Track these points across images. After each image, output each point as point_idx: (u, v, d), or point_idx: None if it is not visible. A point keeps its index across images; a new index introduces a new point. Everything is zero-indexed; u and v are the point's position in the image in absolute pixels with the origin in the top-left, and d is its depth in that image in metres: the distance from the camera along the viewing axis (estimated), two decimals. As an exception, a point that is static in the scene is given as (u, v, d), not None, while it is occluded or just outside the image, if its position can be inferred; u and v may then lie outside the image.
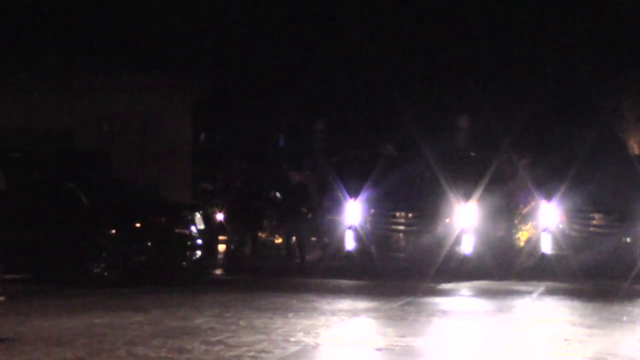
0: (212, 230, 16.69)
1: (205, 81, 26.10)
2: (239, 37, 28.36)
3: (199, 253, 15.91)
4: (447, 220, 17.04)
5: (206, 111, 26.53)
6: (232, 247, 19.46)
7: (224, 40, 28.29)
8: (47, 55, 25.17)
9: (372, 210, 17.50)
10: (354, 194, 17.68)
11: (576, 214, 17.01)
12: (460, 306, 13.31)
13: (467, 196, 17.03)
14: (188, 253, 15.84)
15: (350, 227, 17.51)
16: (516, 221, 18.51)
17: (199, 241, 15.88)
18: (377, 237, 17.37)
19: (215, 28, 28.29)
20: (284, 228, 19.59)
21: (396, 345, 9.47)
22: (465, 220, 16.97)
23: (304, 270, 17.66)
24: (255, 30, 28.21)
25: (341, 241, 17.87)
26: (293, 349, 9.25)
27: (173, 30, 28.05)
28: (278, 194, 19.81)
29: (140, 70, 24.90)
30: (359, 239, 17.41)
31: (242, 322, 10.86)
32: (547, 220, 17.07)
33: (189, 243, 15.80)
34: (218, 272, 18.21)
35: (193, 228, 15.87)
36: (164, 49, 27.12)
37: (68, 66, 24.49)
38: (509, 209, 18.29)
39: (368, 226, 17.44)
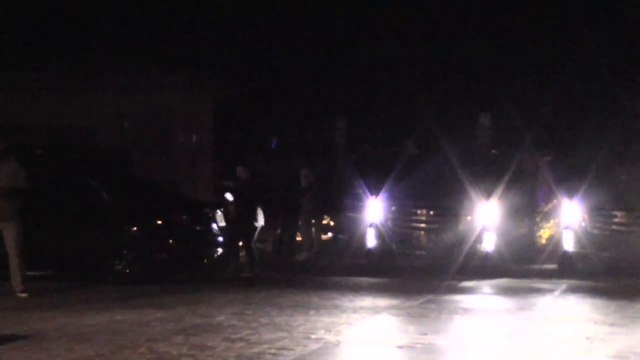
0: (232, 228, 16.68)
1: (226, 78, 26.16)
2: (260, 33, 28.39)
3: (219, 250, 15.94)
4: (469, 218, 17.03)
5: (227, 108, 26.56)
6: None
7: (244, 36, 28.33)
8: (68, 53, 25.28)
9: (394, 208, 17.52)
10: (375, 191, 17.70)
11: (598, 212, 16.92)
12: (481, 304, 13.30)
13: (489, 194, 17.00)
14: (209, 250, 15.87)
15: (371, 225, 17.53)
16: (538, 219, 18.45)
17: (220, 239, 15.91)
18: (398, 235, 17.39)
19: (236, 24, 28.33)
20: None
21: (417, 343, 9.47)
22: (486, 218, 16.94)
23: (253, 281, 15.23)
24: (276, 26, 28.22)
25: (362, 239, 17.91)
26: (314, 346, 9.25)
27: (194, 27, 28.10)
28: (229, 195, 17.63)
29: (161, 68, 24.97)
30: (380, 236, 17.44)
31: (263, 320, 10.86)
32: (569, 218, 17.00)
33: (209, 240, 15.84)
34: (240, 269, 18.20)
35: (214, 225, 15.90)
36: (184, 46, 27.17)
37: (89, 64, 24.60)
38: (530, 206, 18.23)
39: (389, 224, 17.47)
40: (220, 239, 15.90)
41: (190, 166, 24.81)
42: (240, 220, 15.86)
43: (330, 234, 21.42)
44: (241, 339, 9.55)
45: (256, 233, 16.11)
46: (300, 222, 19.92)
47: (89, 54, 25.20)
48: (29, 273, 13.49)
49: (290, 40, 28.27)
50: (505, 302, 13.43)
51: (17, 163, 13.26)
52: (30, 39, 26.60)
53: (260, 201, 16.41)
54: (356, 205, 18.71)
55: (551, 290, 14.43)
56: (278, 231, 20.10)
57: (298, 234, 20.34)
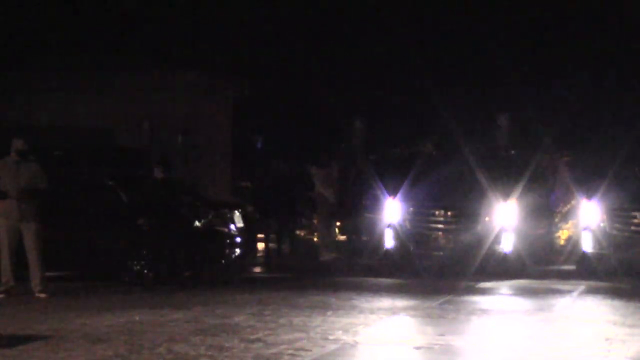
0: (251, 229, 16.75)
1: (245, 79, 26.18)
2: (279, 34, 28.40)
3: (237, 251, 15.96)
4: (487, 218, 17.00)
5: (246, 109, 26.58)
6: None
7: (263, 37, 28.34)
8: (88, 54, 25.37)
9: (411, 209, 17.51)
10: (393, 192, 17.68)
11: (618, 213, 16.82)
12: (499, 305, 13.25)
13: (507, 194, 16.97)
14: (227, 251, 15.89)
15: (389, 226, 17.52)
16: (556, 220, 18.42)
17: (238, 239, 15.93)
18: (416, 236, 17.38)
19: (255, 25, 28.35)
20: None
21: (435, 344, 9.44)
22: (504, 218, 16.91)
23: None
24: (296, 27, 28.23)
25: (380, 239, 17.89)
26: (332, 347, 9.24)
27: (213, 28, 28.14)
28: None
29: (180, 69, 25.02)
30: (397, 237, 17.43)
31: (281, 320, 10.85)
32: (587, 219, 16.92)
33: (228, 241, 15.87)
34: (257, 270, 18.25)
35: (232, 226, 15.94)
36: (204, 48, 27.21)
37: (108, 65, 24.68)
38: (549, 207, 18.19)
39: (407, 224, 17.45)
40: (239, 239, 15.93)
41: (209, 167, 24.85)
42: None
43: (344, 236, 21.39)
44: (259, 340, 9.54)
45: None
46: (316, 223, 19.93)
47: (108, 55, 25.28)
48: (48, 274, 13.54)
49: (309, 41, 28.28)
50: (524, 303, 13.39)
51: (38, 164, 13.33)
52: (50, 40, 26.70)
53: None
54: (374, 206, 18.71)
55: (570, 292, 14.37)
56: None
57: (316, 234, 20.36)
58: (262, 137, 28.51)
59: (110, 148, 21.32)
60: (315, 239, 20.56)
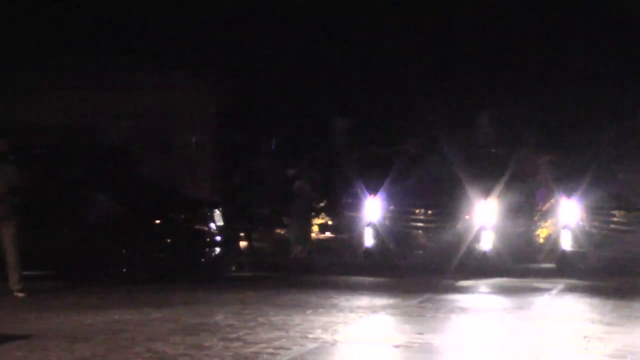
0: (231, 227, 16.73)
1: (229, 78, 26.11)
2: (261, 30, 28.33)
3: (218, 250, 15.94)
4: (467, 217, 17.02)
5: (228, 107, 26.50)
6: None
7: (246, 33, 28.25)
8: (67, 51, 25.25)
9: (392, 207, 17.51)
10: (374, 190, 17.70)
11: (597, 211, 16.90)
12: (479, 303, 13.30)
13: (487, 193, 17.01)
14: (207, 250, 15.88)
15: (369, 224, 17.52)
16: (536, 218, 18.46)
17: (218, 238, 15.91)
18: (396, 234, 17.37)
19: (238, 23, 28.27)
20: None
21: (414, 343, 9.48)
22: (484, 217, 16.94)
23: None
24: (277, 23, 28.16)
25: (360, 238, 17.91)
26: (311, 345, 9.27)
27: (196, 25, 28.04)
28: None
29: (163, 67, 24.94)
30: (377, 235, 17.42)
31: (260, 319, 10.88)
32: (567, 217, 16.95)
33: (208, 240, 15.84)
34: (237, 269, 18.22)
35: (212, 225, 15.91)
36: (186, 45, 27.11)
37: (89, 63, 24.58)
38: (529, 205, 18.25)
39: (387, 223, 17.45)
40: (219, 238, 15.91)
41: (190, 166, 24.79)
42: None
43: (328, 234, 21.41)
44: (238, 339, 9.56)
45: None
46: (289, 221, 19.83)
47: (87, 52, 25.16)
48: (26, 273, 13.51)
49: (291, 36, 28.23)
50: (503, 302, 13.43)
51: (18, 163, 13.29)
52: (28, 36, 26.55)
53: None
54: (355, 204, 18.72)
55: (549, 290, 14.43)
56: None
57: (289, 229, 20.22)
58: (274, 139, 28.42)
59: (90, 147, 21.25)
60: (286, 234, 20.39)
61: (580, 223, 16.79)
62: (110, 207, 15.37)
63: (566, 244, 16.84)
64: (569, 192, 17.04)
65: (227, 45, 27.52)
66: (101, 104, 24.01)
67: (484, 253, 16.82)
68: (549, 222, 18.07)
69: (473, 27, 26.64)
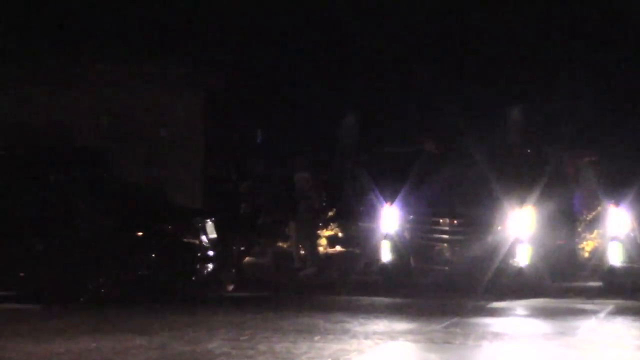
0: (225, 240, 16.72)
1: (220, 70, 26.20)
2: (259, 21, 28.50)
3: (210, 266, 15.93)
4: (499, 227, 17.00)
5: (221, 104, 26.65)
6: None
7: (241, 25, 28.44)
8: (41, 42, 25.34)
9: (411, 217, 17.53)
10: (390, 197, 17.70)
11: (651, 221, 16.85)
12: (514, 328, 13.21)
13: (522, 200, 16.97)
14: (198, 266, 15.86)
15: (385, 236, 17.53)
16: (579, 229, 18.42)
17: (211, 252, 15.89)
18: (416, 248, 17.38)
19: (231, 12, 28.43)
20: None
21: (440, 375, 9.39)
22: (520, 227, 16.89)
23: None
24: (278, 14, 28.32)
25: (375, 252, 17.90)
26: (320, 378, 9.19)
27: (184, 15, 28.22)
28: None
29: (146, 59, 25.00)
30: (395, 249, 17.43)
31: (260, 347, 10.80)
32: (615, 228, 16.89)
33: (199, 254, 15.83)
34: (233, 287, 18.19)
35: (204, 237, 15.89)
36: (174, 36, 27.27)
37: (64, 54, 24.64)
38: (571, 214, 18.22)
39: (406, 235, 17.48)
40: (211, 252, 15.89)
41: (178, 168, 24.81)
42: None
43: (338, 247, 21.44)
44: (235, 370, 9.48)
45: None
46: (297, 233, 19.90)
47: (64, 44, 25.25)
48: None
49: (294, 30, 28.37)
50: (542, 326, 13.36)
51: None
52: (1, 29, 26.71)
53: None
54: (368, 213, 18.73)
55: (595, 312, 14.34)
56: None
57: (290, 243, 20.36)
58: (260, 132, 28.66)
59: (65, 147, 21.32)
60: (289, 248, 20.47)
61: (632, 234, 16.72)
62: (86, 216, 15.37)
63: (615, 258, 16.77)
64: (618, 199, 16.96)
65: (221, 35, 27.70)
66: (77, 99, 24.07)
67: (520, 269, 16.79)
68: (595, 233, 18.06)
69: (505, 11, 26.68)
